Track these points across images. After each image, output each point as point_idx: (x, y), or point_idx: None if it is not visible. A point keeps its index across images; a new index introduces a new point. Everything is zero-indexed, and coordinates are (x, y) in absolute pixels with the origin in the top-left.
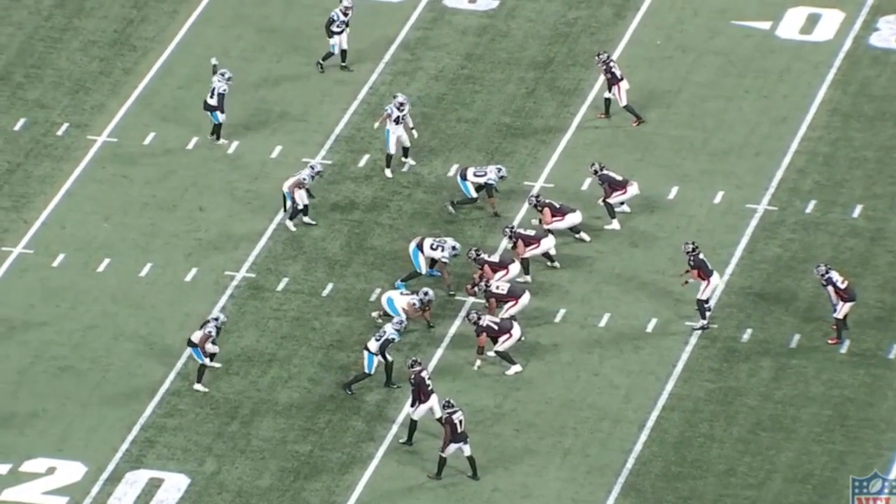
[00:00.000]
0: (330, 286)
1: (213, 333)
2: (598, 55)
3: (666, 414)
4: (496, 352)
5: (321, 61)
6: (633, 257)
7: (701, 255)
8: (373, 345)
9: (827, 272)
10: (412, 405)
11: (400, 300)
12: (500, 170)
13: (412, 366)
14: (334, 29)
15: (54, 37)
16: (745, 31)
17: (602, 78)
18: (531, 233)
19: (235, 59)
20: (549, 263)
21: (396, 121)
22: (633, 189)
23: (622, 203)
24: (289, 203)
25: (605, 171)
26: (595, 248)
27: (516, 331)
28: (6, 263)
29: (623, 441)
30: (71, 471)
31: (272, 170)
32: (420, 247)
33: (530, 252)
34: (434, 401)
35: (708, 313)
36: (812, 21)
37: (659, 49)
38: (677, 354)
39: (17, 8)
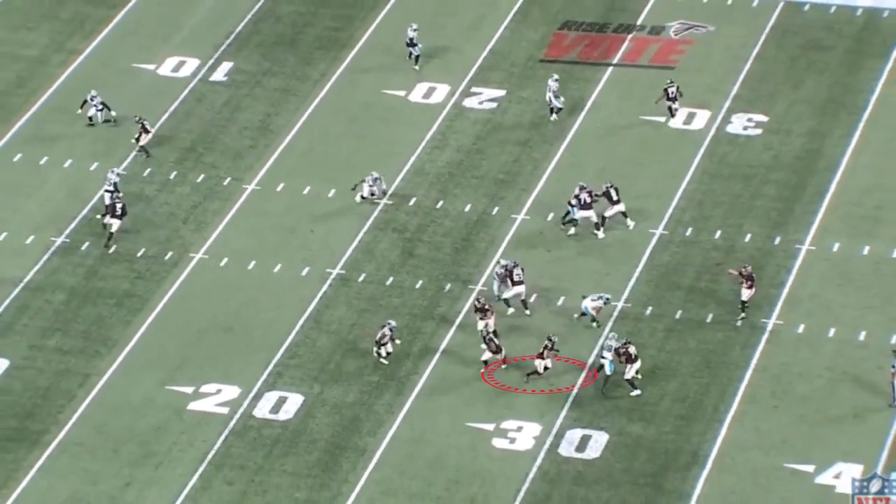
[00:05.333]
0: (391, 279)
1: (388, 334)
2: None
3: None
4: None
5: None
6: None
7: (749, 269)
8: (606, 355)
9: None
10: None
11: (590, 304)
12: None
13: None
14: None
15: (222, 124)
16: (650, 123)
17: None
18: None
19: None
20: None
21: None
22: (619, 206)
23: (623, 214)
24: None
25: (609, 188)
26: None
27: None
28: (191, 264)
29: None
30: (230, 391)
31: (353, 207)
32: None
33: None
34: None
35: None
36: (691, 116)
37: (598, 136)
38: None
39: (200, 107)
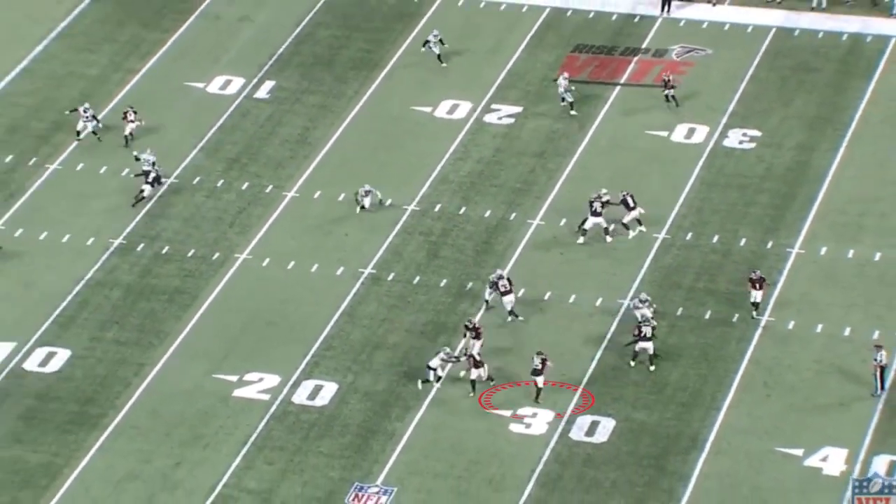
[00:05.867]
0: (418, 278)
1: (445, 359)
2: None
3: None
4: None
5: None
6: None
7: (759, 273)
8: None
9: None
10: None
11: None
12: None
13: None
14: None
15: (264, 137)
16: (654, 136)
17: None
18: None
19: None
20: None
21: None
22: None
23: (638, 221)
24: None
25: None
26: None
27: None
28: (236, 264)
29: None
30: (271, 380)
31: (383, 212)
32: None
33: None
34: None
35: (755, 312)
36: (691, 131)
37: (606, 149)
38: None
39: (245, 122)
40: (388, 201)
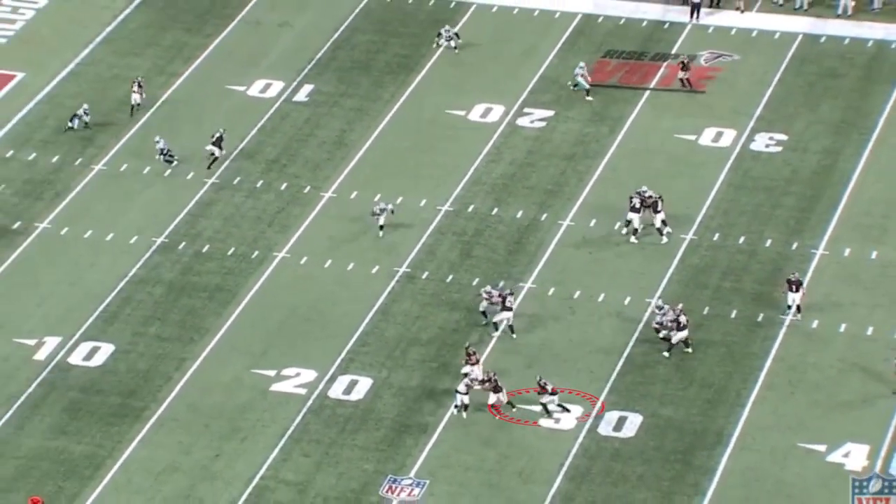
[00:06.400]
0: (451, 276)
1: (469, 384)
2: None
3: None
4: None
5: None
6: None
7: (797, 276)
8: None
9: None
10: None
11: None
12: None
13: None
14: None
15: (303, 139)
16: (682, 140)
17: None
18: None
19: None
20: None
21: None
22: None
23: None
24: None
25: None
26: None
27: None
28: (275, 262)
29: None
30: (308, 374)
31: (418, 213)
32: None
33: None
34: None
35: (790, 311)
36: (719, 135)
37: (635, 152)
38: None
39: (284, 124)
40: (390, 206)
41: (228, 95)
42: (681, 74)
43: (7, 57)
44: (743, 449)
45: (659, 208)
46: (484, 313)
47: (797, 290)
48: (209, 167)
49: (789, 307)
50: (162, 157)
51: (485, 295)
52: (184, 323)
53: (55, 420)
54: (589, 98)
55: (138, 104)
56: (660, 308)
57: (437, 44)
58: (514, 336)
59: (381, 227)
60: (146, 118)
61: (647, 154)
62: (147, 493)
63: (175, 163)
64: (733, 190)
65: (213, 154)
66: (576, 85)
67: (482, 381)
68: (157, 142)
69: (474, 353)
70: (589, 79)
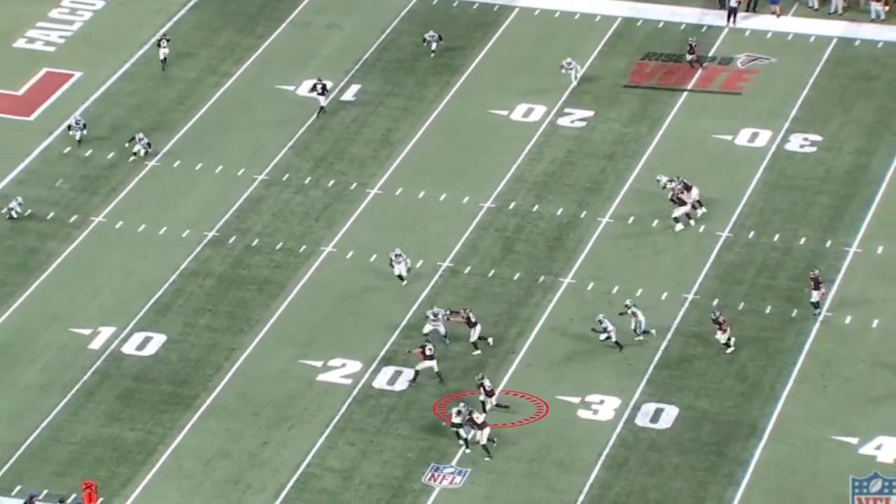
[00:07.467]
0: (493, 271)
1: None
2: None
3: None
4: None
5: None
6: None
7: (817, 274)
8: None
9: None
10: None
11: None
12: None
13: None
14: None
15: (350, 137)
16: (719, 140)
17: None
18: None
19: None
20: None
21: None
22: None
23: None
24: None
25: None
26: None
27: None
28: (322, 256)
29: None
30: (353, 365)
31: (462, 208)
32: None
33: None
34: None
35: (816, 310)
36: (755, 135)
37: (673, 152)
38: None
39: (332, 123)
40: (407, 260)
41: (278, 95)
42: (689, 57)
43: (65, 57)
44: (776, 441)
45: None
46: (427, 335)
47: (817, 288)
48: (318, 116)
49: (813, 304)
50: (140, 147)
51: (430, 316)
52: (233, 314)
53: (109, 407)
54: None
55: (165, 59)
56: (628, 306)
57: (430, 49)
58: (478, 352)
59: (400, 277)
60: (198, 116)
61: (685, 153)
62: (197, 479)
63: (147, 153)
64: (768, 189)
65: (321, 104)
66: (573, 77)
67: (454, 313)
68: (142, 139)
69: (424, 347)
70: (580, 72)
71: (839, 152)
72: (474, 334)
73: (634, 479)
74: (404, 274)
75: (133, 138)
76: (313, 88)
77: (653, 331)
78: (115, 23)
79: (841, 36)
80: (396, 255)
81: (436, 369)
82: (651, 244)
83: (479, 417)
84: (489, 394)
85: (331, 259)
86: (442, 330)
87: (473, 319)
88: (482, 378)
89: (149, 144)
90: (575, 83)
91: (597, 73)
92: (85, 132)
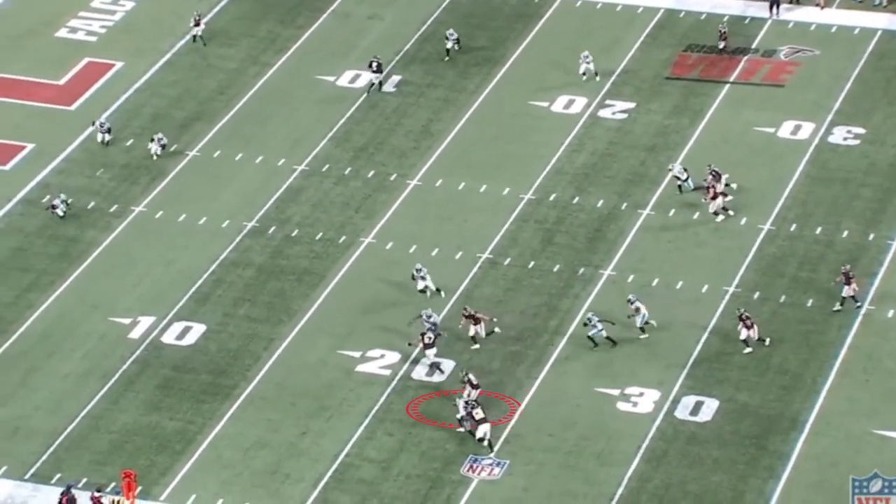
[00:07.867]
0: (532, 263)
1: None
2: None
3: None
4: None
5: None
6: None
7: (847, 269)
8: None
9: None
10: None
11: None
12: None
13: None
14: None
15: (390, 128)
16: (761, 133)
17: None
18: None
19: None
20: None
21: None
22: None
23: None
24: None
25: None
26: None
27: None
28: (361, 247)
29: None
30: (392, 356)
31: (501, 200)
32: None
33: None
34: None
35: (848, 303)
36: (797, 128)
37: (714, 144)
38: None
39: (372, 114)
40: (430, 282)
41: (318, 85)
42: (721, 45)
43: (107, 47)
44: (817, 434)
45: (712, 194)
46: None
47: (848, 283)
48: (368, 93)
49: (853, 299)
50: (157, 147)
51: (424, 316)
52: (273, 305)
53: (148, 396)
54: (598, 79)
55: (199, 36)
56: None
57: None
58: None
59: (423, 291)
60: (239, 106)
61: (727, 146)
62: (236, 468)
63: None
64: (811, 182)
65: (372, 82)
66: (584, 73)
67: (468, 316)
68: (103, 124)
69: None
70: (592, 67)
71: (883, 145)
72: (480, 331)
73: (674, 472)
74: (432, 287)
75: (153, 139)
76: (369, 66)
77: (653, 321)
78: (156, 13)
79: (886, 28)
80: (417, 270)
81: (430, 360)
82: (692, 236)
83: (478, 413)
84: (475, 388)
85: (370, 250)
86: (433, 286)
87: (477, 315)
88: (466, 374)
89: (164, 146)
90: (585, 77)
91: (638, 64)
92: (109, 136)
